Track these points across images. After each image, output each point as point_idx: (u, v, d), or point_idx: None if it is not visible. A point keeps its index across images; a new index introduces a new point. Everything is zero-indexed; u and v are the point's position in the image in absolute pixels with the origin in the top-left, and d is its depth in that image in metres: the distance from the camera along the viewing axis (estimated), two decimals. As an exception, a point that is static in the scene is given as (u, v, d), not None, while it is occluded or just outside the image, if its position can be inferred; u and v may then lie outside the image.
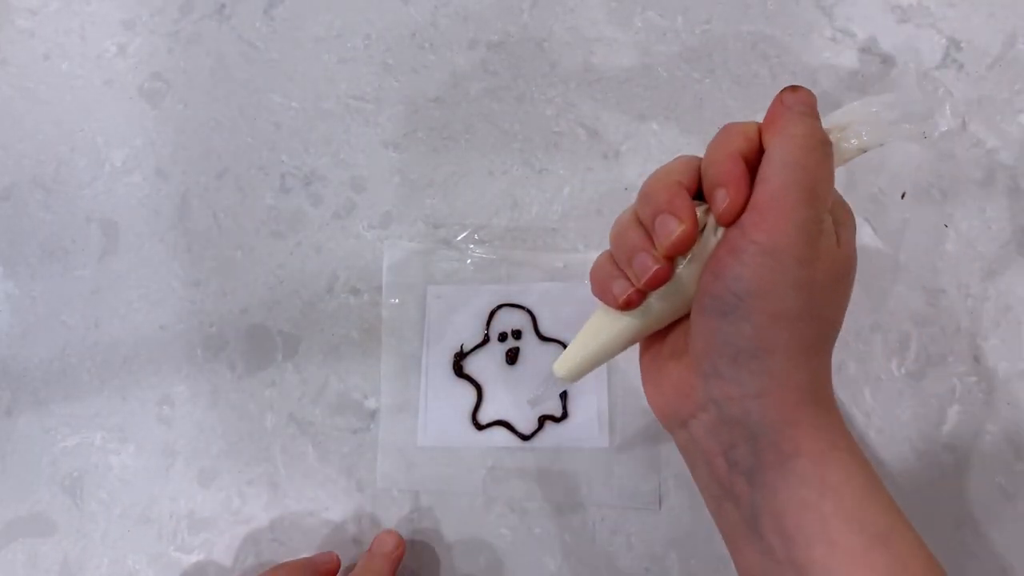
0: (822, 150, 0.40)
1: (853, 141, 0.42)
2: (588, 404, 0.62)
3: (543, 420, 0.62)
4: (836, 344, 0.43)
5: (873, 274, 0.62)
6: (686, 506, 0.60)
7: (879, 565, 0.37)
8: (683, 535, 0.60)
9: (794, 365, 0.40)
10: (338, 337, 0.65)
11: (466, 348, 0.64)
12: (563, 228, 0.66)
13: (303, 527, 0.62)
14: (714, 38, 0.69)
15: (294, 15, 0.72)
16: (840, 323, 0.42)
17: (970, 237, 0.63)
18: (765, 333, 0.39)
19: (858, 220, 0.45)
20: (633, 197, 0.45)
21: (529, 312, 0.64)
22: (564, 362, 0.48)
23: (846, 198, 0.45)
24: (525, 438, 0.62)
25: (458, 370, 0.64)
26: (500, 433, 0.62)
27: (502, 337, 0.64)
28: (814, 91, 0.42)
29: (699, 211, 0.41)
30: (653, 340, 0.47)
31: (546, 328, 0.64)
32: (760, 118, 0.43)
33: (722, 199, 0.40)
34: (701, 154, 0.43)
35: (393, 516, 0.62)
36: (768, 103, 0.42)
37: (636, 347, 0.48)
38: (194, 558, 0.63)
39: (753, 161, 0.40)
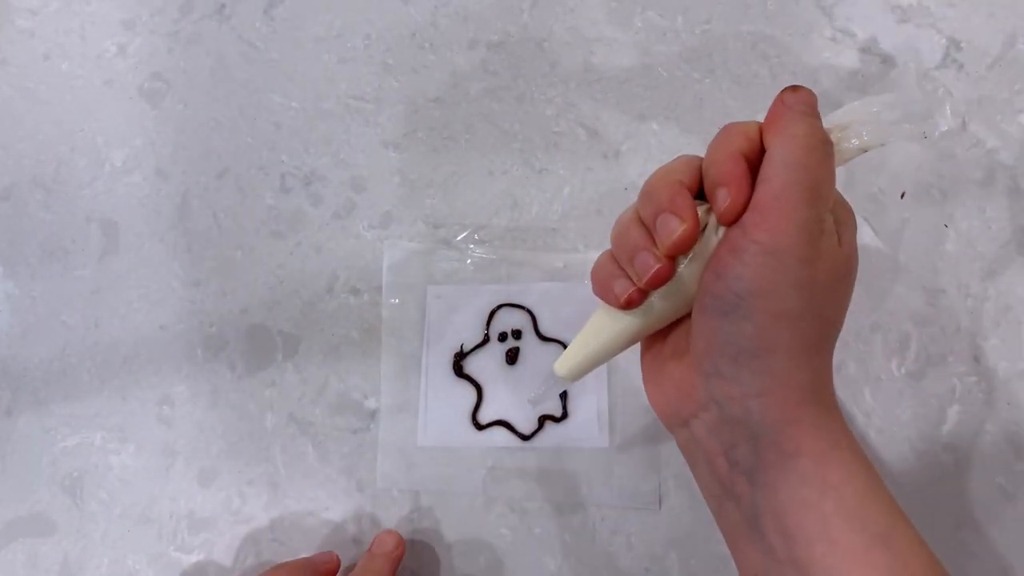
0: (823, 150, 0.40)
1: (854, 141, 0.42)
2: (588, 404, 0.62)
3: (543, 420, 0.62)
4: (836, 344, 0.43)
5: (873, 274, 0.62)
6: (686, 506, 0.60)
7: (880, 564, 0.37)
8: (683, 535, 0.60)
9: (795, 365, 0.40)
10: (338, 337, 0.65)
11: (466, 348, 0.64)
12: (563, 228, 0.66)
13: (303, 527, 0.62)
14: (714, 38, 0.69)
15: (294, 15, 0.72)
16: (841, 323, 0.42)
17: (970, 237, 0.63)
18: (766, 332, 0.39)
19: (858, 220, 0.45)
20: (633, 197, 0.45)
21: (529, 312, 0.64)
22: (565, 361, 0.48)
23: (846, 197, 0.45)
24: (525, 438, 0.62)
25: (458, 370, 0.64)
26: (500, 433, 0.62)
27: (502, 337, 0.64)
28: (814, 91, 0.42)
29: (700, 210, 0.41)
30: (654, 339, 0.47)
31: (546, 328, 0.64)
32: (760, 118, 0.42)
33: (723, 198, 0.40)
34: (701, 154, 0.43)
35: (393, 516, 0.62)
36: (768, 103, 0.42)
37: (637, 347, 0.48)
38: (194, 558, 0.63)
39: (754, 161, 0.40)
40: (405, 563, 0.60)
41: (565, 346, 0.62)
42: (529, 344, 0.64)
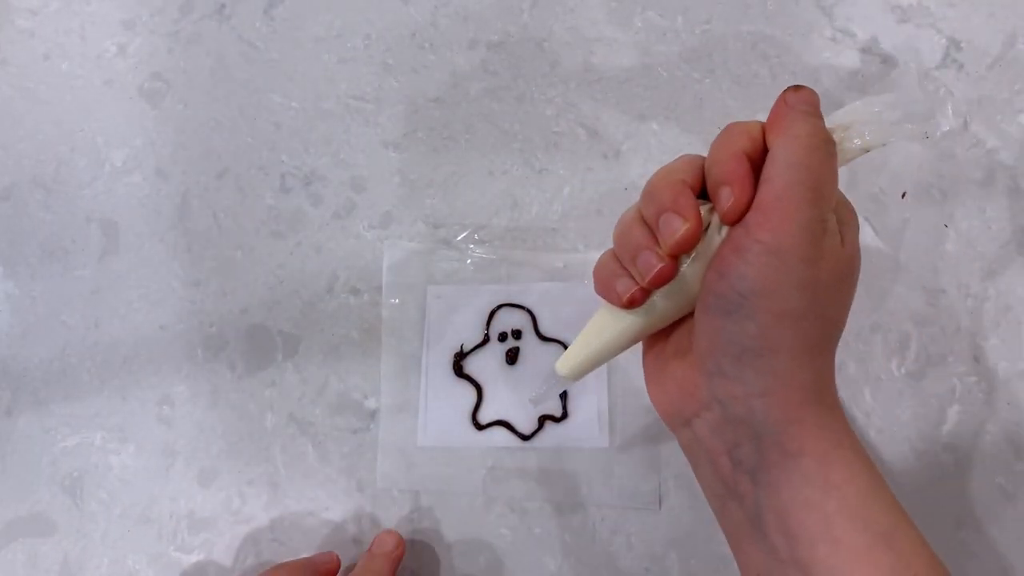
0: (826, 149, 0.40)
1: (856, 141, 0.42)
2: (588, 404, 0.62)
3: (543, 420, 0.62)
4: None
5: (873, 274, 0.62)
6: (686, 506, 0.60)
7: (882, 563, 0.37)
8: (683, 535, 0.60)
9: (798, 364, 0.40)
10: (338, 337, 0.65)
11: (466, 348, 0.64)
12: (563, 228, 0.66)
13: (303, 527, 0.62)
14: (714, 38, 0.69)
15: (294, 15, 0.72)
16: (844, 323, 0.42)
17: (970, 237, 0.63)
18: (770, 332, 0.39)
19: (859, 220, 0.45)
20: (633, 197, 0.45)
21: (529, 312, 0.64)
22: (567, 360, 0.48)
23: (848, 197, 0.44)
24: (525, 438, 0.62)
25: (458, 370, 0.64)
26: (500, 433, 0.62)
27: (502, 337, 0.64)
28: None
29: (703, 210, 0.41)
30: (656, 339, 0.47)
31: (546, 328, 0.64)
32: (760, 118, 0.42)
33: (727, 197, 0.40)
34: (702, 153, 0.43)
35: (393, 516, 0.62)
36: (768, 103, 0.42)
37: (637, 346, 0.48)
38: (194, 558, 0.63)
39: (757, 160, 0.40)
40: (405, 563, 0.60)
41: (565, 346, 0.62)
42: (529, 344, 0.64)
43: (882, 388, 0.61)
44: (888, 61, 0.67)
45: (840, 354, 0.42)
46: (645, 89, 0.68)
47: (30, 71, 0.73)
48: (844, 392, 0.61)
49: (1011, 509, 0.58)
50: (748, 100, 0.67)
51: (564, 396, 0.62)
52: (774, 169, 0.39)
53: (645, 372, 0.48)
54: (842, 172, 0.42)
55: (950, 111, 0.61)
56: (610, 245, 0.45)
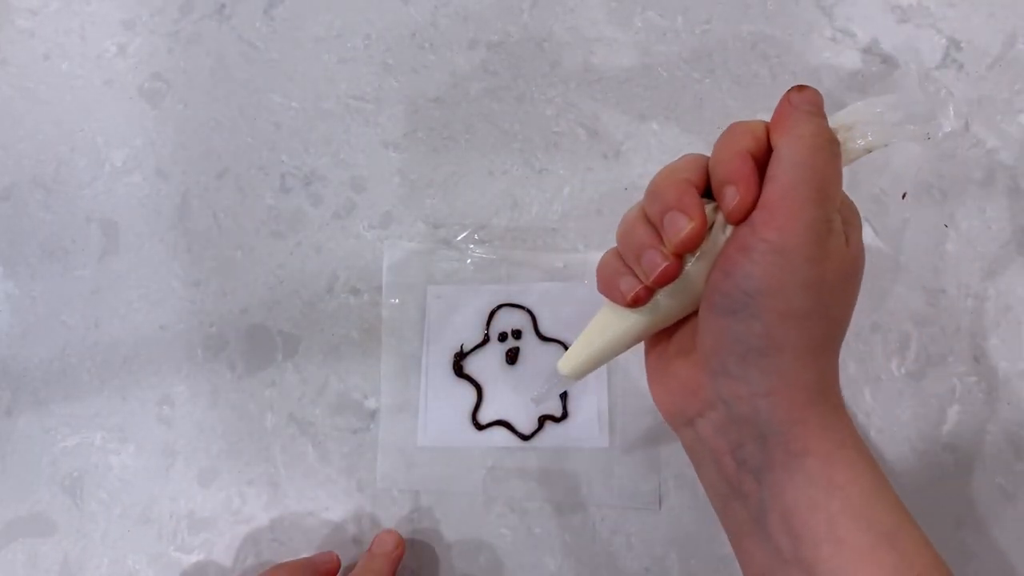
0: (830, 149, 0.40)
1: (859, 141, 0.42)
2: (588, 404, 0.62)
3: (543, 420, 0.62)
4: (838, 344, 0.43)
5: (873, 274, 0.62)
6: (686, 506, 0.60)
7: (886, 563, 0.37)
8: (683, 535, 0.60)
9: (802, 364, 0.40)
10: (338, 337, 0.65)
11: (466, 348, 0.64)
12: (563, 228, 0.66)
13: (303, 527, 0.62)
14: (714, 38, 0.69)
15: (294, 15, 0.72)
16: (848, 323, 0.42)
17: (970, 237, 0.63)
18: (774, 331, 0.39)
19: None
20: (634, 197, 0.45)
21: (529, 312, 0.64)
22: (568, 360, 0.47)
23: (850, 198, 0.45)
24: (525, 438, 0.62)
25: (458, 370, 0.64)
26: (500, 433, 0.62)
27: (502, 337, 0.64)
28: (815, 91, 0.42)
29: (707, 209, 0.41)
30: (659, 338, 0.47)
31: (546, 328, 0.64)
32: (760, 118, 0.43)
33: (732, 196, 0.40)
34: (703, 153, 0.43)
35: (393, 516, 0.62)
36: (768, 103, 0.42)
37: (638, 346, 0.48)
38: (194, 558, 0.63)
39: (761, 160, 0.40)
40: (405, 563, 0.60)
41: (565, 346, 0.62)
42: (529, 344, 0.64)
43: (882, 388, 0.61)
44: (888, 61, 0.67)
45: (840, 354, 0.43)
46: (645, 89, 0.68)
47: (30, 71, 0.73)
48: (844, 392, 0.60)
49: (1011, 509, 0.58)
50: (748, 100, 0.67)
51: (564, 396, 0.62)
52: (779, 168, 0.39)
53: (648, 371, 0.48)
54: (844, 173, 0.42)
55: (951, 112, 0.62)
56: (610, 245, 0.45)
